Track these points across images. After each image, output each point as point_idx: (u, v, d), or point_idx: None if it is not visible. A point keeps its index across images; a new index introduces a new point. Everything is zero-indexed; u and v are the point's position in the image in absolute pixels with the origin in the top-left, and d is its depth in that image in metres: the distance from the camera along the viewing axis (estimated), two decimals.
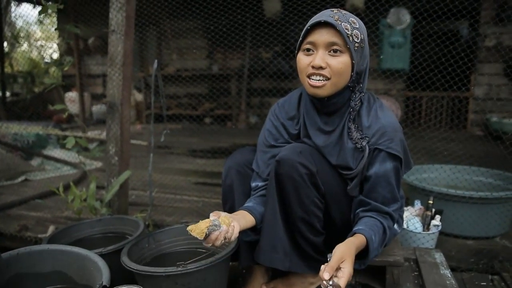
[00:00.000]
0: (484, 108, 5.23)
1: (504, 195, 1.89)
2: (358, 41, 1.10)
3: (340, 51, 1.09)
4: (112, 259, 1.22)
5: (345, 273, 0.94)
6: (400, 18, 5.03)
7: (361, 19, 1.19)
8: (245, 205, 1.25)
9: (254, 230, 1.24)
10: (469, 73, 5.20)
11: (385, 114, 1.19)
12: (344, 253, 0.98)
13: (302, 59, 1.15)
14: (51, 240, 1.41)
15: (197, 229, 0.99)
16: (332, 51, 1.09)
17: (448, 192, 1.93)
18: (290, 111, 1.33)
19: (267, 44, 5.65)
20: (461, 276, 1.62)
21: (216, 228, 1.00)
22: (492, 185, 2.22)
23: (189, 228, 1.01)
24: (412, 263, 1.56)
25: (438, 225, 1.81)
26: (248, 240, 1.26)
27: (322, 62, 1.09)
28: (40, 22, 9.05)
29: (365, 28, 1.17)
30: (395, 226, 1.32)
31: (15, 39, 7.89)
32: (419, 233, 1.78)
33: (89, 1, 4.24)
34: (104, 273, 1.10)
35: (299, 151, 1.17)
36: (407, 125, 4.28)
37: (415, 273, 1.49)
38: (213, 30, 5.06)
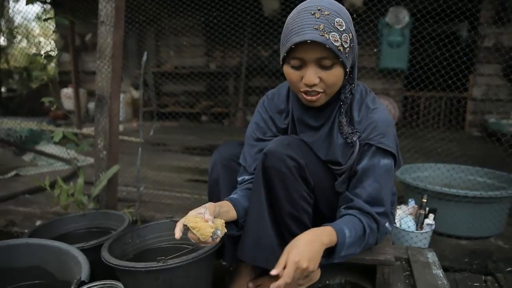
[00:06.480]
0: (483, 109, 5.19)
1: (499, 194, 1.86)
2: (347, 45, 1.00)
3: (332, 64, 1.01)
4: (94, 254, 1.18)
5: (288, 263, 0.93)
6: (399, 17, 5.00)
7: (360, 18, 1.10)
8: (230, 196, 1.21)
9: (237, 224, 1.20)
10: (467, 73, 5.16)
11: (377, 108, 1.14)
12: (289, 246, 0.97)
13: (292, 74, 1.06)
14: (33, 234, 1.37)
15: (201, 231, 0.96)
16: (323, 66, 1.02)
17: (441, 191, 1.89)
18: (279, 104, 1.28)
19: (267, 43, 5.61)
20: (453, 277, 1.58)
21: (217, 236, 0.98)
22: (486, 183, 2.19)
23: (190, 225, 0.96)
24: (404, 262, 1.53)
25: (431, 224, 1.77)
26: (231, 234, 1.21)
27: (315, 79, 1.03)
28: (38, 18, 9.01)
29: (349, 16, 1.05)
30: (386, 224, 1.28)
31: (11, 35, 7.84)
32: (412, 232, 1.74)
33: None
34: (84, 269, 1.07)
35: (286, 143, 1.12)
36: (405, 125, 4.24)
37: (407, 272, 1.46)
38: (211, 27, 5.03)
